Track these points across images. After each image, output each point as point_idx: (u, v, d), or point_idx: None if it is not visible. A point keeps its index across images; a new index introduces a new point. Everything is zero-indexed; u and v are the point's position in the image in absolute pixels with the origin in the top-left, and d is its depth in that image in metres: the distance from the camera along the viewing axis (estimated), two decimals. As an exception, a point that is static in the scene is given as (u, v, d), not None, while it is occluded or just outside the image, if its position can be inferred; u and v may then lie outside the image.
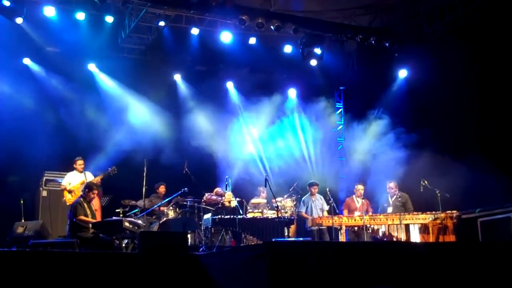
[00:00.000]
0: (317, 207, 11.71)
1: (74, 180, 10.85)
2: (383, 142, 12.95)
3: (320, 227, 10.88)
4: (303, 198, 11.83)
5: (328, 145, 14.19)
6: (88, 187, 9.30)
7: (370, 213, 10.95)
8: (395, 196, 10.94)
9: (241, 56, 13.03)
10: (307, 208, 11.68)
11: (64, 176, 11.30)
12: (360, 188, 11.32)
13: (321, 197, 11.95)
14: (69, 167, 11.31)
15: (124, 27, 12.44)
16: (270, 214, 11.10)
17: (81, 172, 11.05)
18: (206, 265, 5.88)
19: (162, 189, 11.91)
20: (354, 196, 11.42)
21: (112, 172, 11.04)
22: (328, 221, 10.62)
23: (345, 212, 11.26)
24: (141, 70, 13.11)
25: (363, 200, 10.92)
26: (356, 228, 10.69)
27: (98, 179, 10.90)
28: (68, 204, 10.45)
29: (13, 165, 11.33)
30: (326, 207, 11.56)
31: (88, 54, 12.72)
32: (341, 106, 15.36)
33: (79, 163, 11.07)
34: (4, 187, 11.43)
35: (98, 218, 9.63)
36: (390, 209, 10.87)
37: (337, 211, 11.27)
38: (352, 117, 14.34)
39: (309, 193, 11.82)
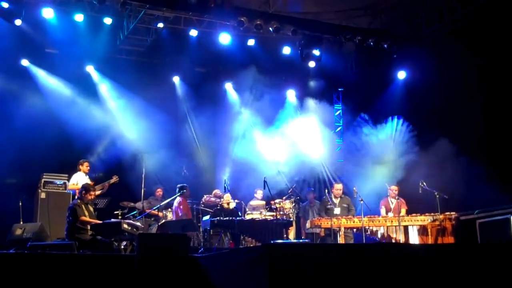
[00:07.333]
0: (315, 212, 11.77)
1: (81, 181, 10.84)
2: (382, 143, 12.96)
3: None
4: (302, 205, 11.99)
5: (327, 147, 14.17)
6: (85, 188, 9.27)
7: (404, 212, 10.87)
8: (339, 198, 11.18)
9: (240, 57, 13.04)
10: (305, 213, 11.80)
11: (63, 178, 11.31)
12: (393, 188, 11.18)
13: (319, 203, 12.03)
14: (68, 169, 11.32)
15: (122, 29, 12.43)
16: (269, 216, 11.10)
17: (86, 174, 11.14)
18: (205, 267, 5.87)
19: (159, 192, 11.91)
20: (388, 197, 11.28)
21: (115, 181, 11.27)
22: (327, 223, 10.62)
23: (382, 211, 11.09)
24: (140, 72, 13.10)
25: (398, 200, 10.95)
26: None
27: (102, 187, 10.99)
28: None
29: (11, 167, 11.30)
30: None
31: (87, 55, 12.71)
32: (340, 108, 15.37)
33: (87, 165, 11.28)
34: (3, 189, 11.40)
35: None
36: (337, 210, 11.01)
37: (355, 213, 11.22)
38: (350, 119, 14.34)
39: (308, 199, 12.04)
